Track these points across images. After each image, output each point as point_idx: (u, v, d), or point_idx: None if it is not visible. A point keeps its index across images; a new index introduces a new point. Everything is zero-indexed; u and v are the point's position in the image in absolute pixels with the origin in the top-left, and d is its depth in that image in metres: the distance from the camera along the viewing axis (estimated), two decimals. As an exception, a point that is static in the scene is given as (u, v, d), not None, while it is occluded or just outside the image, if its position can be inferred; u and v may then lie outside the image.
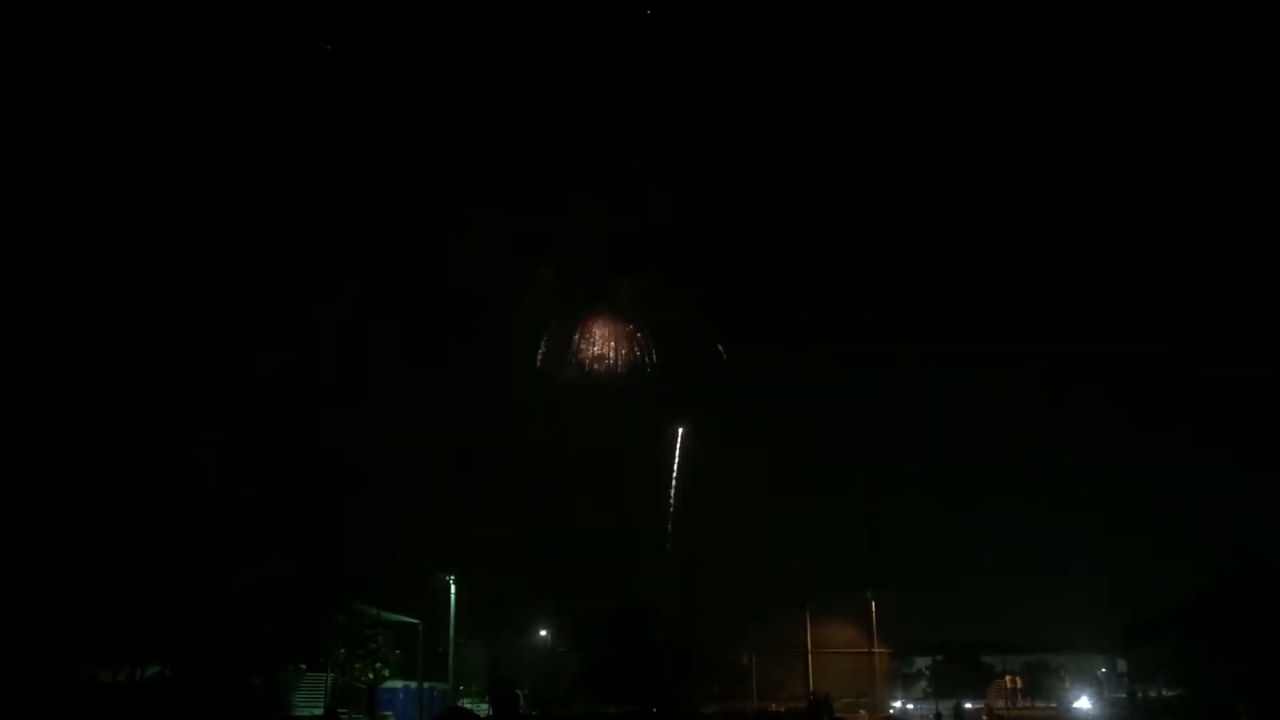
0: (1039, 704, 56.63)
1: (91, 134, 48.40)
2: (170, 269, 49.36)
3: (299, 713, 35.67)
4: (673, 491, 54.19)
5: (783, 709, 45.95)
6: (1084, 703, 55.36)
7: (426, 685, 41.30)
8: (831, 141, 58.70)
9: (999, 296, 60.69)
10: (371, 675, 39.39)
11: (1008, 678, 59.91)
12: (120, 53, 45.73)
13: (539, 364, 53.60)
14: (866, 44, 56.88)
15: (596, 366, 55.02)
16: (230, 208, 51.36)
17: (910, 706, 57.85)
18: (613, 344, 55.61)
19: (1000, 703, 56.29)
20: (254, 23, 46.48)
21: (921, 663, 60.50)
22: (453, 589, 41.12)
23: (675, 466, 54.72)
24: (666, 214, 55.55)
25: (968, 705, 50.36)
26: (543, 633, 50.54)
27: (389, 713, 39.58)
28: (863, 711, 44.83)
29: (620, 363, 55.42)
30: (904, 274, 63.43)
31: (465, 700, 40.57)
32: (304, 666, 37.15)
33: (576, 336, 54.66)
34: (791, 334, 58.91)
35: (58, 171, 46.39)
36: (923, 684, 60.27)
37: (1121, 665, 54.93)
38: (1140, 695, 48.30)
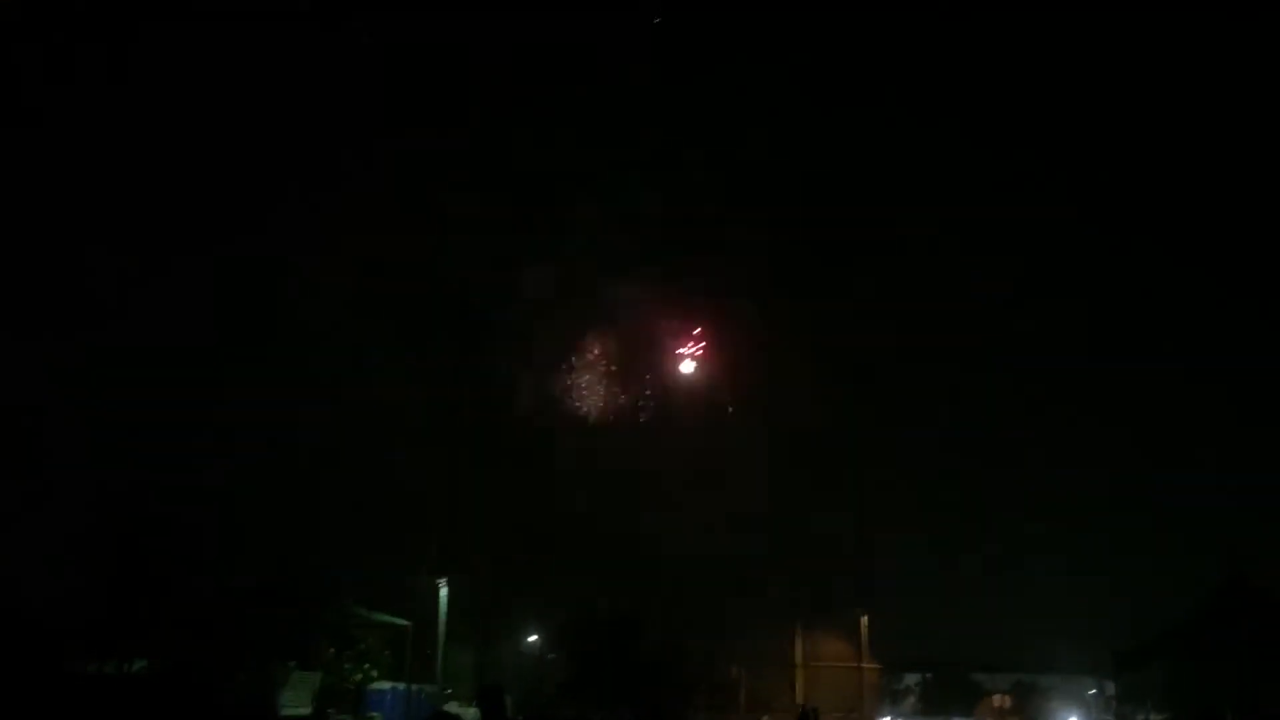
0: (1027, 724, 56.70)
1: (88, 129, 48.68)
2: (166, 264, 49.53)
3: (286, 712, 35.60)
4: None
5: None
6: (1073, 724, 55.41)
7: (415, 687, 41.25)
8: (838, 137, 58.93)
9: (999, 311, 60.97)
10: (360, 676, 39.37)
11: (996, 697, 59.97)
12: (116, 46, 46.02)
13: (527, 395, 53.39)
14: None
15: (590, 396, 55.05)
16: (225, 207, 51.57)
17: (898, 722, 57.87)
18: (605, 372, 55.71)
19: (988, 721, 56.37)
20: (252, 18, 46.90)
21: (911, 679, 60.51)
22: (443, 591, 41.10)
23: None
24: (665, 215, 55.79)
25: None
26: (532, 638, 50.54)
27: (376, 714, 39.52)
28: None
29: (614, 399, 55.46)
30: (904, 288, 63.57)
31: (453, 704, 40.53)
32: (293, 665, 37.12)
33: (567, 374, 54.60)
34: (789, 341, 58.83)
35: (54, 168, 46.67)
36: (911, 700, 60.27)
37: (1110, 688, 54.93)
38: (1128, 718, 48.33)
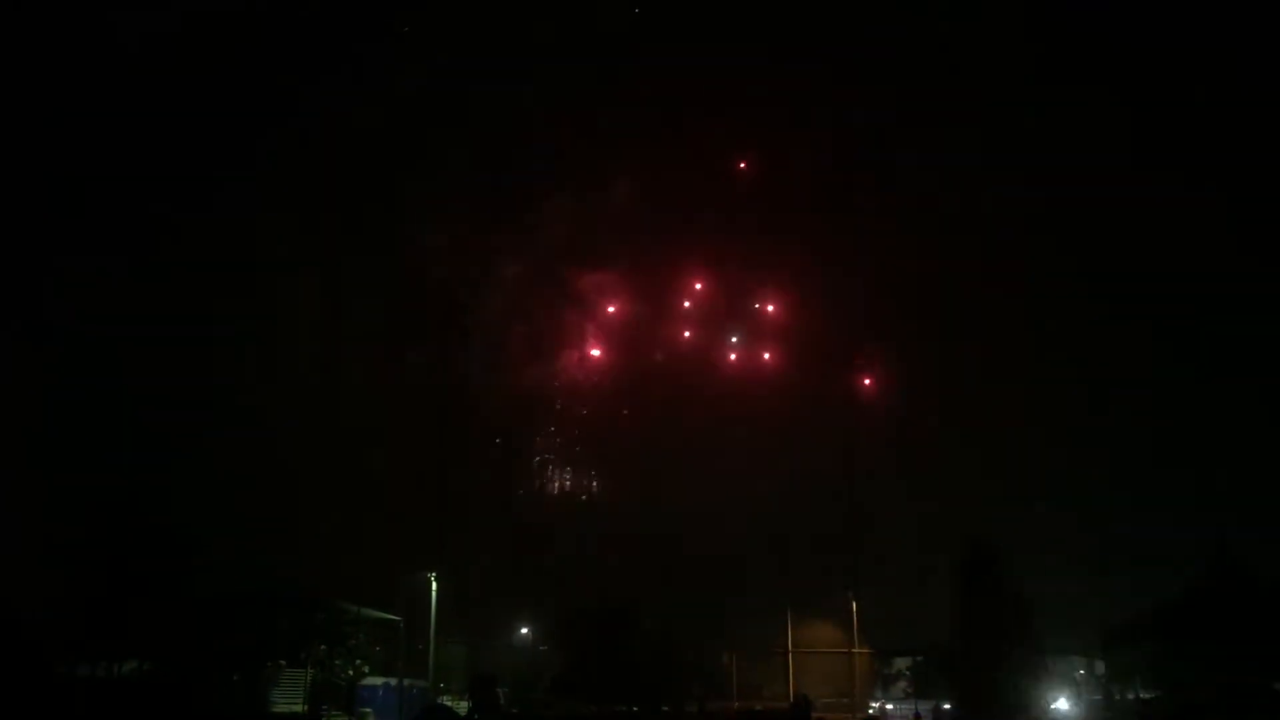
0: (1017, 705, 56.92)
1: (80, 128, 48.43)
2: (158, 262, 49.31)
3: (278, 710, 35.57)
4: None
5: (762, 708, 46.13)
6: (1061, 704, 55.64)
7: (407, 682, 41.25)
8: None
9: (994, 304, 60.96)
10: (351, 672, 39.33)
11: (987, 679, 60.14)
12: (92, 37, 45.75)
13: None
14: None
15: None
16: (212, 204, 51.31)
17: (890, 707, 58.01)
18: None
19: (979, 704, 56.55)
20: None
21: (902, 663, 60.65)
22: (433, 586, 41.11)
23: None
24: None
25: (946, 706, 50.53)
26: (524, 631, 50.57)
27: (368, 709, 39.52)
28: None
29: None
30: (906, 275, 63.19)
31: (445, 698, 40.56)
32: (284, 663, 37.08)
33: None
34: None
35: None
36: (902, 684, 60.43)
37: (1100, 667, 55.25)
38: (1118, 697, 48.66)
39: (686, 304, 58.86)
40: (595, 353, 56.47)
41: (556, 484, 55.39)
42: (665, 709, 42.48)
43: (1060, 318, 60.44)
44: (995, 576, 38.41)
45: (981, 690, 37.10)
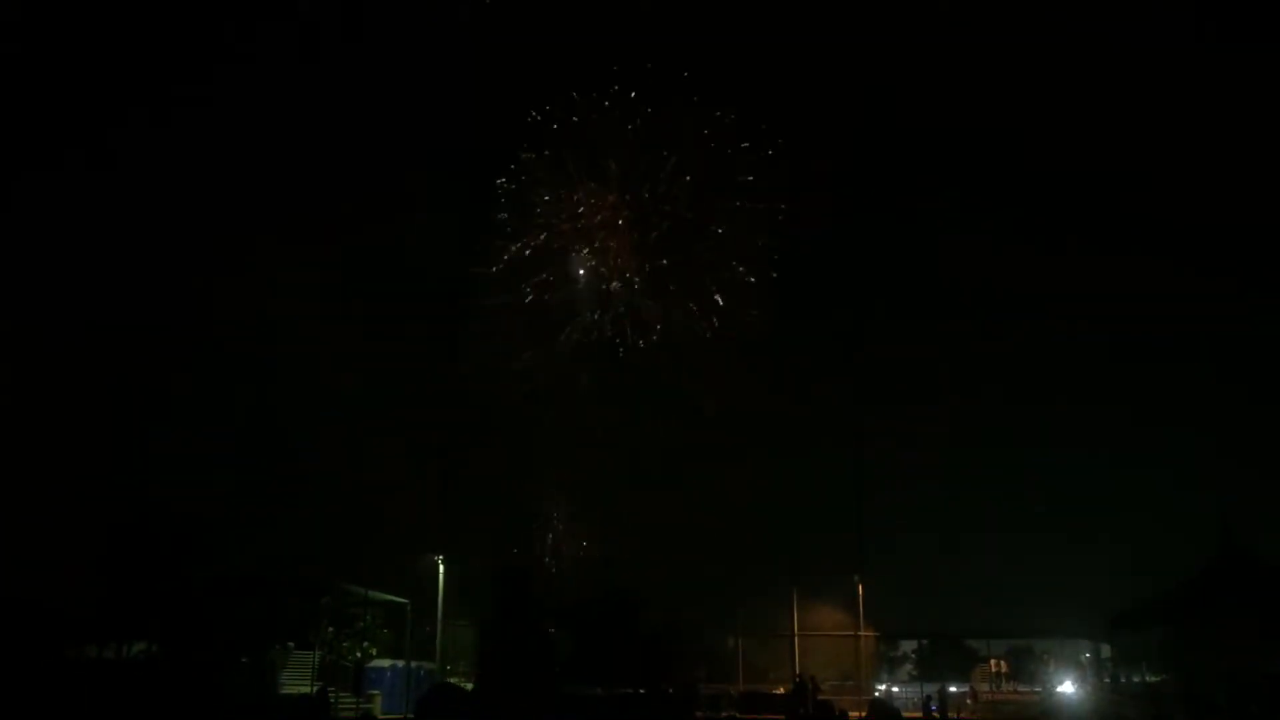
0: (1022, 688, 57.11)
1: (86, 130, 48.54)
2: (155, 258, 49.33)
3: (287, 691, 35.78)
4: None
5: (769, 690, 46.30)
6: (1067, 687, 55.80)
7: (414, 664, 41.45)
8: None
9: (998, 295, 60.79)
10: (359, 654, 39.55)
11: (992, 661, 60.36)
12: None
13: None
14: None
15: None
16: (201, 194, 51.26)
17: (895, 689, 58.20)
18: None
19: (985, 686, 56.74)
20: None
21: (907, 646, 60.79)
22: (440, 569, 41.24)
23: None
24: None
25: (952, 689, 50.69)
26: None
27: (376, 691, 39.73)
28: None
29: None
30: (910, 269, 63.03)
31: (452, 679, 40.75)
32: (292, 645, 37.28)
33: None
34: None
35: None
36: (908, 667, 60.64)
37: (1106, 651, 55.35)
38: (1124, 680, 48.75)
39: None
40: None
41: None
42: (670, 691, 42.62)
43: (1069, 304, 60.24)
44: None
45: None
